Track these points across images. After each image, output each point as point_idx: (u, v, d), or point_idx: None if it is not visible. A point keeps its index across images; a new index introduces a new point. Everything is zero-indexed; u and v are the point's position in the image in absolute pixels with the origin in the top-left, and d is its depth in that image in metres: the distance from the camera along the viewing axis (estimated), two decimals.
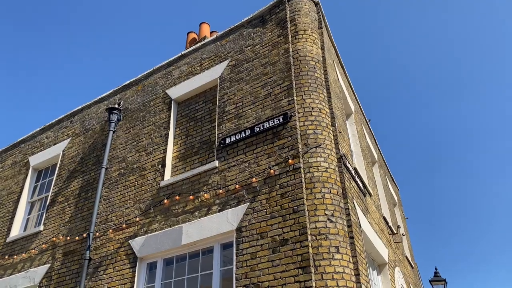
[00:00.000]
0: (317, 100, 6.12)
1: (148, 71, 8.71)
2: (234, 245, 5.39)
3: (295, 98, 6.09)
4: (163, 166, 7.02)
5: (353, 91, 9.32)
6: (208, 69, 7.58)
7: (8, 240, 8.55)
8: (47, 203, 8.49)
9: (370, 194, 7.38)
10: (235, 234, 5.47)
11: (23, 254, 8.03)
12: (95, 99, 9.38)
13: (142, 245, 6.32)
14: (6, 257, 8.31)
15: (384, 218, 8.51)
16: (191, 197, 6.24)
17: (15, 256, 8.16)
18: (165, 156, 7.13)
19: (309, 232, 4.93)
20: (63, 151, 9.11)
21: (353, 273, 4.85)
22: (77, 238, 7.33)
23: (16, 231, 8.78)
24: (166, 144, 7.26)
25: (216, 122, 6.80)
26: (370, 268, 6.56)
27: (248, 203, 5.60)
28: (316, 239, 4.89)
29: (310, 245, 4.84)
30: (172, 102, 7.75)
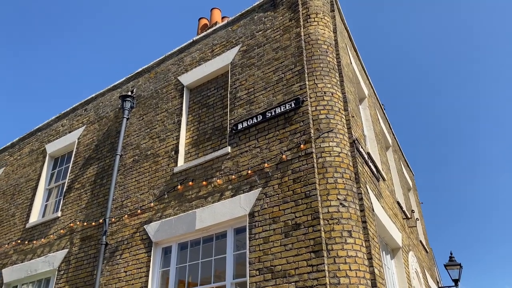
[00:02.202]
0: (329, 85, 6.06)
1: (160, 58, 8.72)
2: (247, 230, 5.44)
3: (307, 82, 6.04)
4: (176, 152, 7.08)
5: (366, 75, 9.20)
6: (220, 55, 7.55)
7: (27, 226, 8.77)
8: (64, 189, 8.66)
9: (383, 179, 7.34)
10: (247, 219, 5.51)
11: (42, 239, 8.24)
12: (109, 87, 9.45)
13: (157, 230, 6.42)
14: (26, 242, 8.54)
15: (398, 203, 8.46)
16: (204, 182, 6.29)
17: (34, 241, 8.38)
18: (178, 143, 7.18)
19: (321, 217, 4.94)
20: (79, 138, 9.24)
21: (365, 257, 4.86)
22: (93, 223, 7.49)
23: (35, 217, 9.00)
24: (179, 131, 7.31)
25: (228, 108, 6.80)
26: (384, 252, 6.56)
27: (260, 188, 5.63)
28: (329, 224, 4.90)
29: (322, 229, 4.86)
30: (184, 89, 7.77)
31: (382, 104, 10.80)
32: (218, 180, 6.14)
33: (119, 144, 7.91)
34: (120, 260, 6.67)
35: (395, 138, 11.58)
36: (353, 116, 6.33)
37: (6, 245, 8.94)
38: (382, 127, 9.55)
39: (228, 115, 6.71)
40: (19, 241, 8.73)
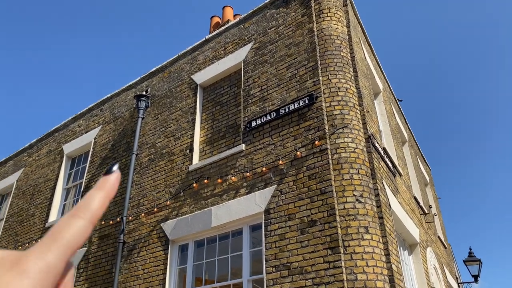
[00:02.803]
0: (343, 80, 6.01)
1: (174, 57, 8.77)
2: (263, 227, 5.44)
3: (320, 78, 6.00)
4: (191, 150, 7.12)
5: (381, 70, 9.10)
6: (232, 52, 7.56)
7: (47, 225, 8.94)
8: (82, 189, 8.79)
9: (400, 174, 7.25)
10: (263, 216, 5.51)
11: None
12: (123, 87, 9.55)
13: (174, 228, 6.47)
14: None
15: (415, 198, 8.36)
16: (219, 180, 6.31)
17: None
18: (192, 141, 7.21)
19: (337, 213, 4.91)
20: (95, 138, 9.37)
21: (383, 253, 4.82)
22: (111, 222, 7.59)
23: (54, 216, 9.16)
24: (193, 129, 7.34)
25: (241, 105, 6.80)
26: (401, 248, 6.49)
27: (275, 185, 5.62)
28: (345, 220, 4.87)
29: (338, 225, 4.83)
30: (198, 87, 7.80)
31: (399, 99, 10.67)
32: (232, 178, 6.15)
33: (135, 143, 7.99)
34: (138, 258, 6.75)
35: (411, 132, 11.43)
36: (368, 111, 6.26)
37: (27, 244, 9.12)
38: (398, 121, 9.43)
39: (242, 113, 6.71)
40: (39, 240, 8.89)
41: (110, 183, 0.47)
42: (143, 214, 7.11)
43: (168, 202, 6.83)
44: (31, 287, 0.37)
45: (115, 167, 0.49)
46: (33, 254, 0.39)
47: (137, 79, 9.33)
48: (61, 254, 0.40)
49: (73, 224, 0.42)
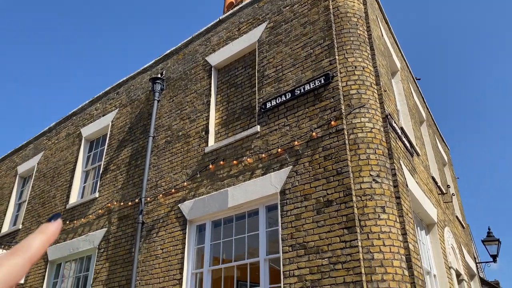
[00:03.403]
0: (360, 59, 5.91)
1: (188, 39, 8.74)
2: (279, 207, 5.47)
3: (336, 57, 5.91)
4: (207, 132, 7.15)
5: (399, 48, 8.90)
6: (247, 33, 7.48)
7: (67, 206, 9.16)
8: (100, 171, 8.96)
9: (417, 154, 7.17)
10: (279, 197, 5.54)
11: (82, 219, 8.60)
12: (139, 70, 9.58)
13: (191, 208, 6.56)
14: (67, 222, 8.94)
15: (433, 178, 8.27)
16: (234, 162, 6.34)
17: (75, 221, 8.76)
18: (208, 123, 7.24)
19: (353, 193, 4.90)
20: (112, 121, 9.48)
21: (399, 233, 4.80)
22: (130, 203, 7.73)
23: (74, 198, 9.38)
24: (209, 111, 7.36)
25: (256, 86, 6.77)
26: (418, 228, 6.46)
27: (291, 166, 5.62)
28: (361, 200, 4.86)
29: (355, 205, 4.82)
30: (212, 69, 7.78)
31: (417, 77, 10.46)
32: (248, 159, 6.17)
33: (151, 126, 8.06)
34: (157, 238, 6.88)
35: (429, 112, 11.23)
36: (386, 91, 6.16)
37: None
38: (416, 101, 9.27)
39: (257, 94, 6.68)
40: (60, 221, 9.13)
41: (51, 229, 0.53)
42: (161, 195, 7.22)
43: (185, 184, 6.92)
44: None
45: (58, 217, 0.57)
46: None
47: (152, 62, 9.34)
48: None
49: (11, 261, 0.44)
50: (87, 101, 10.70)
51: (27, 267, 0.46)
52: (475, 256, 14.87)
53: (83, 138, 10.06)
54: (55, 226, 0.55)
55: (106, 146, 9.21)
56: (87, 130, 10.06)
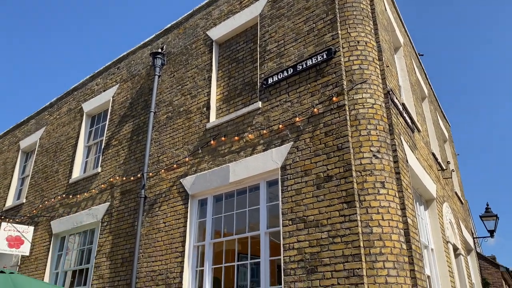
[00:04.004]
0: (363, 33, 5.85)
1: (188, 12, 8.62)
2: (279, 182, 5.53)
3: (339, 32, 5.84)
4: (208, 108, 7.15)
5: (402, 23, 8.78)
6: (248, 6, 7.37)
7: (70, 181, 9.26)
8: (102, 146, 9.01)
9: (418, 130, 7.18)
10: (280, 172, 5.59)
11: (85, 193, 8.70)
12: (139, 45, 9.50)
13: (193, 183, 6.63)
14: (71, 196, 9.06)
15: (433, 154, 8.31)
16: (236, 137, 6.37)
17: (78, 196, 8.87)
18: (209, 99, 7.23)
19: (353, 169, 4.94)
20: (113, 97, 9.46)
21: (398, 207, 4.87)
22: (132, 178, 7.81)
23: (77, 173, 9.47)
24: (210, 87, 7.33)
25: (258, 62, 6.72)
26: (417, 203, 6.54)
27: (292, 142, 5.65)
28: (361, 175, 4.91)
29: (355, 181, 4.88)
30: (213, 44, 7.70)
31: (420, 54, 10.35)
32: (249, 135, 6.20)
33: (153, 101, 8.05)
34: (159, 212, 6.99)
35: (431, 88, 11.17)
36: (388, 66, 6.12)
37: (53, 199, 9.52)
38: (418, 77, 9.21)
39: (258, 70, 6.64)
40: (64, 196, 9.27)
41: None
42: (163, 170, 7.29)
43: (187, 159, 6.97)
44: None
45: None
46: None
47: (153, 36, 9.25)
48: None
49: None
50: (88, 76, 10.65)
51: None
52: (473, 231, 15.09)
53: (84, 113, 10.07)
54: None
55: (107, 122, 9.23)
56: (88, 105, 10.06)
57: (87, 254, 8.29)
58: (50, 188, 9.89)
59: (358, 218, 4.68)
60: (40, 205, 9.82)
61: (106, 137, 9.05)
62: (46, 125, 11.35)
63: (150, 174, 7.49)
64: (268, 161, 5.78)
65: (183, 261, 6.24)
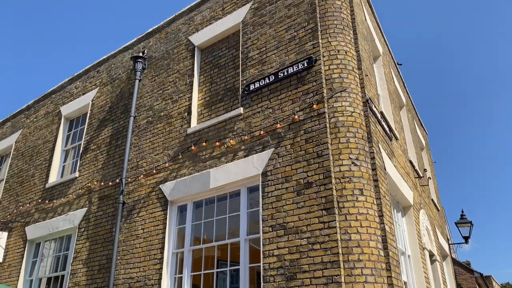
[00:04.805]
0: (343, 43, 5.95)
1: (170, 17, 8.60)
2: (260, 189, 5.55)
3: (320, 41, 5.93)
4: (189, 113, 7.13)
5: (381, 33, 8.97)
6: (231, 13, 7.41)
7: (47, 186, 9.06)
8: (81, 151, 8.86)
9: (396, 138, 7.32)
10: (260, 178, 5.61)
11: (62, 198, 8.53)
12: (120, 48, 9.41)
13: (172, 189, 6.58)
14: (47, 201, 8.86)
15: (411, 162, 8.48)
16: (217, 143, 6.36)
17: (54, 201, 8.68)
18: (190, 104, 7.21)
19: (333, 176, 5.00)
20: (92, 100, 9.33)
21: (376, 215, 4.95)
22: (110, 183, 7.70)
23: (53, 177, 9.28)
24: (191, 92, 7.32)
25: (240, 68, 6.75)
26: (395, 210, 6.66)
27: (273, 149, 5.68)
28: (340, 182, 4.97)
29: (334, 187, 4.93)
30: (196, 49, 7.70)
31: (398, 63, 10.58)
32: (231, 141, 6.21)
33: (133, 105, 7.98)
34: (138, 218, 6.90)
35: (409, 97, 11.42)
36: (367, 75, 6.24)
37: (28, 204, 9.29)
38: (396, 85, 9.40)
39: (240, 76, 6.67)
40: (40, 201, 9.06)
41: None
42: (142, 176, 7.21)
43: (167, 164, 6.92)
44: None
45: None
46: None
47: (134, 40, 9.18)
48: None
49: None
50: (66, 79, 10.48)
51: None
52: (448, 237, 15.41)
53: (62, 116, 9.89)
54: None
55: (86, 125, 9.09)
56: (67, 109, 9.89)
57: (63, 261, 8.11)
58: (25, 193, 9.65)
59: (337, 225, 4.74)
60: (15, 210, 9.57)
61: (84, 141, 8.91)
62: (23, 128, 11.10)
63: (129, 179, 7.41)
64: (249, 167, 5.79)
65: (162, 268, 6.18)
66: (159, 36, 8.66)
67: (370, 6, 8.26)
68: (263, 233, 5.26)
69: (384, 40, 9.17)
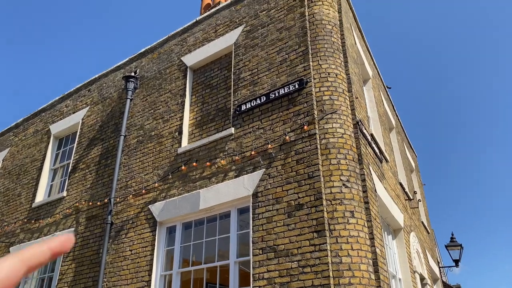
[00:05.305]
0: (333, 66, 6.03)
1: (163, 38, 8.67)
2: (251, 210, 5.50)
3: (311, 63, 6.00)
4: (180, 133, 7.11)
5: (371, 56, 9.13)
6: (223, 35, 7.49)
7: (33, 205, 8.89)
8: (69, 170, 8.74)
9: (386, 160, 7.36)
10: (251, 199, 5.57)
11: (49, 218, 8.36)
12: (112, 68, 9.43)
13: (162, 209, 6.50)
14: (33, 221, 8.68)
15: (401, 184, 8.51)
16: (208, 163, 6.33)
17: (41, 221, 8.51)
18: (181, 124, 7.20)
19: (324, 197, 4.99)
20: (82, 119, 9.27)
21: (367, 237, 4.92)
22: (98, 203, 7.58)
23: (40, 196, 9.11)
24: (183, 112, 7.32)
25: (232, 89, 6.79)
26: (385, 232, 6.63)
27: (263, 169, 5.66)
28: (331, 204, 4.95)
29: (325, 209, 4.91)
30: (188, 70, 7.74)
31: (387, 86, 10.74)
32: (221, 161, 6.18)
33: (123, 125, 7.94)
34: (126, 239, 6.78)
35: (398, 119, 11.55)
36: (357, 98, 6.31)
37: (13, 224, 9.09)
38: (386, 108, 9.52)
39: (232, 96, 6.70)
40: (25, 220, 8.87)
41: (57, 238, 0.52)
42: (131, 196, 7.12)
43: (156, 184, 6.85)
44: None
45: (71, 234, 0.55)
46: None
47: (126, 60, 9.21)
48: None
49: (3, 263, 0.46)
50: (57, 98, 10.43)
51: (21, 270, 0.46)
52: (439, 260, 15.36)
53: (51, 135, 9.80)
54: (63, 238, 0.53)
55: (75, 144, 9.01)
56: (56, 127, 9.81)
57: (47, 283, 7.89)
58: (11, 212, 9.45)
59: (328, 247, 4.69)
60: (0, 230, 9.35)
61: (73, 160, 8.81)
62: (11, 146, 10.95)
63: (118, 199, 7.30)
64: (240, 187, 5.76)
65: None
66: (152, 56, 8.70)
67: (360, 30, 8.43)
68: (253, 255, 5.18)
69: (374, 63, 9.33)
